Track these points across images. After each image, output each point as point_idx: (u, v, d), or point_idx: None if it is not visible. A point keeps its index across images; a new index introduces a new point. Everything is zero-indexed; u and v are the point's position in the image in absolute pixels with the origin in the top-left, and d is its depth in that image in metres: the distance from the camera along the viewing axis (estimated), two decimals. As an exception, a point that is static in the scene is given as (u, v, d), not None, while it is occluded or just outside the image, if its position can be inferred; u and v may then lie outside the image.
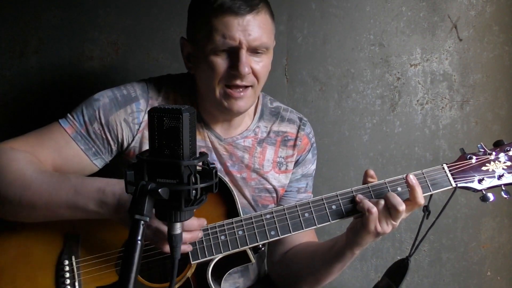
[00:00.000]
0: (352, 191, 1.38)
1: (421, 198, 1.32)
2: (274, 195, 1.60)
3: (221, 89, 1.41)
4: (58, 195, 1.29)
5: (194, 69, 1.47)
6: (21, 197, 1.30)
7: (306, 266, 1.52)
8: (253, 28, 1.36)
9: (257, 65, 1.41)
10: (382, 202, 1.31)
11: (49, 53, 1.93)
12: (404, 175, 1.35)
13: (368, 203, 1.32)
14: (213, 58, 1.38)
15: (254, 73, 1.41)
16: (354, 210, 1.37)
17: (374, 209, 1.30)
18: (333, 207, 1.38)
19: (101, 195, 1.27)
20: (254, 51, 1.39)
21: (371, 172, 1.39)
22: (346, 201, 1.38)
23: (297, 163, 1.63)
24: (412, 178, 1.33)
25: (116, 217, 1.28)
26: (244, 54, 1.37)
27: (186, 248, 1.32)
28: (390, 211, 1.31)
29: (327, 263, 1.46)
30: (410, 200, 1.33)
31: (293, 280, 1.58)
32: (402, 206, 1.30)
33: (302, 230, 1.38)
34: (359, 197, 1.36)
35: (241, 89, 1.42)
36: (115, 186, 1.28)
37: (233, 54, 1.38)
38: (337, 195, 1.38)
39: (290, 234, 1.38)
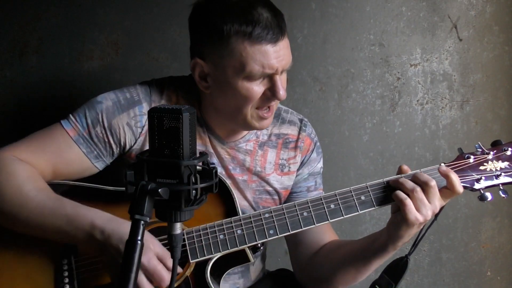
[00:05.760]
0: (350, 190, 1.38)
1: (458, 185, 1.32)
2: (276, 197, 1.60)
3: (253, 111, 1.42)
4: (51, 221, 1.30)
5: (212, 89, 1.44)
6: (17, 214, 1.32)
7: (342, 265, 1.50)
8: (284, 53, 1.38)
9: (283, 81, 1.42)
10: (416, 188, 1.31)
11: (49, 53, 1.93)
12: (437, 166, 1.36)
13: (401, 194, 1.31)
14: (247, 85, 1.37)
15: None
16: (353, 209, 1.37)
17: (408, 200, 1.30)
18: (332, 206, 1.38)
19: (92, 230, 1.27)
20: (281, 71, 1.41)
21: (405, 167, 1.39)
22: (344, 200, 1.38)
23: (302, 164, 1.62)
24: (444, 167, 1.34)
25: (100, 255, 1.30)
26: (279, 79, 1.38)
27: None
28: (424, 190, 1.30)
29: (367, 260, 1.45)
30: (447, 188, 1.33)
31: (327, 280, 1.55)
32: (432, 182, 1.30)
33: (300, 229, 1.38)
34: (399, 181, 1.34)
35: (269, 108, 1.44)
36: (107, 224, 1.27)
37: (268, 79, 1.38)
38: (335, 194, 1.39)
39: (289, 233, 1.38)
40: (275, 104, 1.45)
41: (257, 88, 1.38)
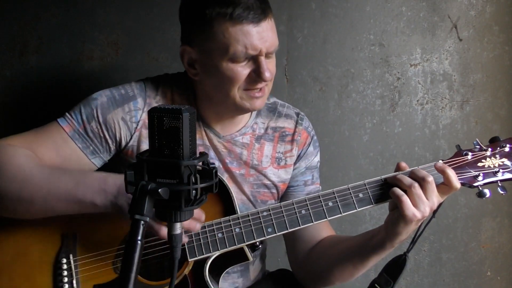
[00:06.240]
0: (348, 188, 1.39)
1: (455, 180, 1.32)
2: (274, 190, 1.60)
3: (241, 93, 1.43)
4: (58, 187, 1.30)
5: (201, 75, 1.46)
6: (20, 192, 1.31)
7: (339, 260, 1.51)
8: (267, 34, 1.39)
9: (270, 65, 1.44)
10: (413, 184, 1.31)
11: (49, 53, 1.93)
12: (433, 163, 1.36)
13: (398, 191, 1.32)
14: (232, 66, 1.39)
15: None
16: (351, 206, 1.37)
17: (404, 196, 1.30)
18: (330, 204, 1.38)
19: (102, 183, 1.29)
20: (267, 54, 1.42)
21: (403, 164, 1.39)
22: (342, 198, 1.38)
23: (299, 158, 1.63)
24: (440, 163, 1.34)
25: (113, 205, 1.28)
26: (264, 61, 1.39)
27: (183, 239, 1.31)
28: (421, 186, 1.30)
29: (364, 257, 1.45)
30: (445, 184, 1.33)
31: (324, 275, 1.56)
32: (430, 177, 1.30)
33: (298, 227, 1.38)
34: (397, 177, 1.35)
35: (260, 89, 1.44)
36: (117, 177, 1.30)
37: (253, 61, 1.40)
38: (333, 192, 1.39)
39: (287, 231, 1.38)
40: (265, 86, 1.46)
41: (242, 69, 1.40)
